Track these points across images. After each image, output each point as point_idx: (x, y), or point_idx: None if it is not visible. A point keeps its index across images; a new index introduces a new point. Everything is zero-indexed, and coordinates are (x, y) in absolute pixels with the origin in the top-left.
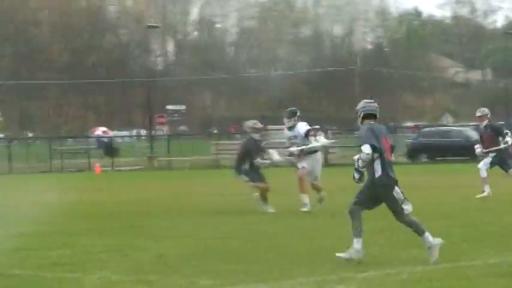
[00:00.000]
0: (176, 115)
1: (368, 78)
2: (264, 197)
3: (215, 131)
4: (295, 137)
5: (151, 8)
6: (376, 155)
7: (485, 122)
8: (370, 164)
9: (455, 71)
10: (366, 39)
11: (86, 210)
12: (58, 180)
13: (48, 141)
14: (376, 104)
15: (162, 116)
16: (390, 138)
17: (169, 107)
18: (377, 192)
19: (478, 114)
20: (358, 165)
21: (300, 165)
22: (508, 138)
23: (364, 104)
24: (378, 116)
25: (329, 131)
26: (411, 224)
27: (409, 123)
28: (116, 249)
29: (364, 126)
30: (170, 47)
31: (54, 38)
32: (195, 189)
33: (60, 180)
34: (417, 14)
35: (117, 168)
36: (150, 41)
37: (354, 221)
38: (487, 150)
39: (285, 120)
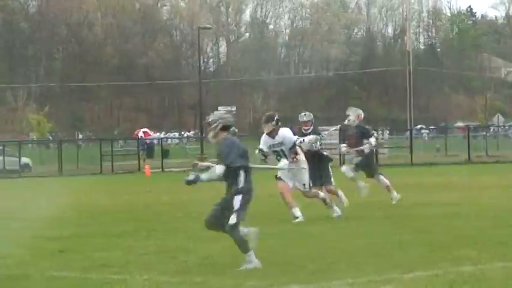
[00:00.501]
0: None
1: (420, 79)
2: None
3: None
4: (279, 144)
5: (203, 9)
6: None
7: (310, 128)
8: (234, 176)
9: (507, 71)
10: (418, 39)
11: (134, 212)
12: (108, 182)
13: (99, 143)
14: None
15: None
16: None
17: (220, 108)
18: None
19: (303, 119)
20: (202, 178)
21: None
22: (372, 139)
23: (223, 115)
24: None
25: (382, 131)
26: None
27: (459, 124)
28: (163, 251)
29: (226, 139)
30: (222, 48)
31: (107, 39)
32: None
33: (110, 182)
34: (470, 14)
35: (167, 170)
36: (202, 42)
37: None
38: (355, 149)
39: (263, 125)
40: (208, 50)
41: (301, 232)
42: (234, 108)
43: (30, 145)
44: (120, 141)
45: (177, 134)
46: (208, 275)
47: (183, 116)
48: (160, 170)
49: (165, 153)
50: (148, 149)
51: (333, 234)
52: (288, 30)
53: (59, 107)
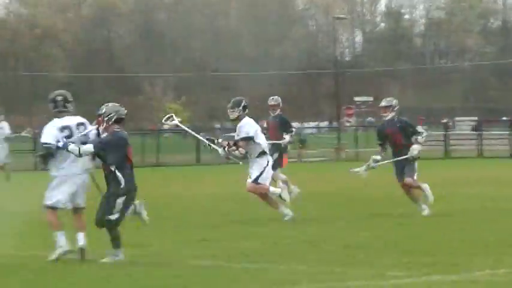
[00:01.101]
0: (364, 106)
1: None
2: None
3: None
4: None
5: None
6: (113, 166)
7: (277, 111)
8: (112, 176)
9: None
10: None
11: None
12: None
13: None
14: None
15: (350, 108)
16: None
17: (357, 98)
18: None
19: (271, 102)
20: (70, 148)
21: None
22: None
23: (117, 108)
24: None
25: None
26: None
27: None
28: (304, 240)
29: (116, 133)
30: (358, 38)
31: (242, 29)
32: (380, 180)
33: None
34: None
35: (304, 160)
36: (338, 32)
37: (112, 234)
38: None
39: (229, 111)
40: (344, 40)
41: (443, 221)
42: (370, 99)
43: (166, 134)
44: None
45: (314, 124)
46: (347, 265)
47: (319, 105)
48: (297, 159)
49: (302, 143)
50: None
51: (470, 223)
52: (423, 20)
53: (195, 96)
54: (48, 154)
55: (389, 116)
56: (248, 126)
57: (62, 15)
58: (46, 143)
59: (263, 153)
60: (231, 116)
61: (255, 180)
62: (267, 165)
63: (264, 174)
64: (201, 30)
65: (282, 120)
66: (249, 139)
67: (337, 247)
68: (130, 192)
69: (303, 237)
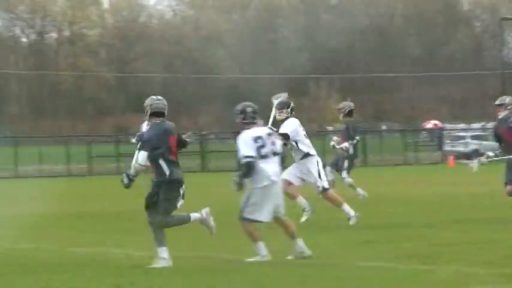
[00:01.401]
0: None
1: None
2: None
3: None
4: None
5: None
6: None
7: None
8: (157, 167)
9: None
10: None
11: (440, 203)
12: (410, 173)
13: (402, 134)
14: (164, 102)
15: None
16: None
17: None
18: (167, 190)
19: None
20: (130, 173)
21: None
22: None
23: (152, 102)
24: (166, 113)
25: None
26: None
27: None
28: (471, 242)
29: (153, 125)
30: None
31: (408, 30)
32: None
33: (413, 173)
34: None
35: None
36: (505, 33)
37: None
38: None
39: (277, 111)
40: (511, 40)
41: None
42: None
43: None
44: (424, 132)
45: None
46: None
47: (485, 106)
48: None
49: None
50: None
51: None
52: None
53: (361, 97)
54: (250, 168)
55: (502, 114)
56: (289, 126)
57: (227, 17)
58: (248, 156)
59: (307, 154)
60: (278, 116)
61: (325, 190)
62: (318, 165)
63: (322, 175)
64: (366, 32)
65: (347, 127)
66: (286, 137)
67: (505, 249)
68: (172, 183)
69: (470, 238)
